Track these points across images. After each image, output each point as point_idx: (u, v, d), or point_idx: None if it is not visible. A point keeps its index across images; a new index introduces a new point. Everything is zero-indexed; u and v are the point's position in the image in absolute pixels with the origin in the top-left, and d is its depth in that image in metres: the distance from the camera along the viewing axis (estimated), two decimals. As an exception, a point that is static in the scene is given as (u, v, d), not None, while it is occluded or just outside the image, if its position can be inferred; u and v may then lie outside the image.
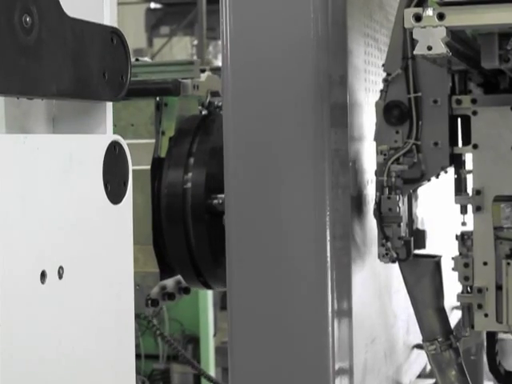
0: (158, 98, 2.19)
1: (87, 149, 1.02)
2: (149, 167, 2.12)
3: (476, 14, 1.49)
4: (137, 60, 2.37)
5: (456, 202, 2.07)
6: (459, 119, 2.11)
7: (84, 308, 0.98)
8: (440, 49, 1.51)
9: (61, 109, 1.07)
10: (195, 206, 2.07)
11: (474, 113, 1.99)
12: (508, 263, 1.94)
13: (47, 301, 0.92)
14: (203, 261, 1.98)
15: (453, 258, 2.05)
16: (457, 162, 2.11)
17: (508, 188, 1.97)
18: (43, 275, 0.92)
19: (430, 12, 1.51)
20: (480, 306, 1.97)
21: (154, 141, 2.15)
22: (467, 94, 2.06)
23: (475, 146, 1.99)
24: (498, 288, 1.96)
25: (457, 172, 2.12)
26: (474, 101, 2.01)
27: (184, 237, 2.07)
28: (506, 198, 1.97)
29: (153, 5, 10.65)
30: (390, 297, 2.31)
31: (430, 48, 1.52)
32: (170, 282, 2.20)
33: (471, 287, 2.00)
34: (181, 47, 9.67)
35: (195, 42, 8.91)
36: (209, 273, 2.00)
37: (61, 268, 0.95)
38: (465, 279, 2.00)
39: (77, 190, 0.99)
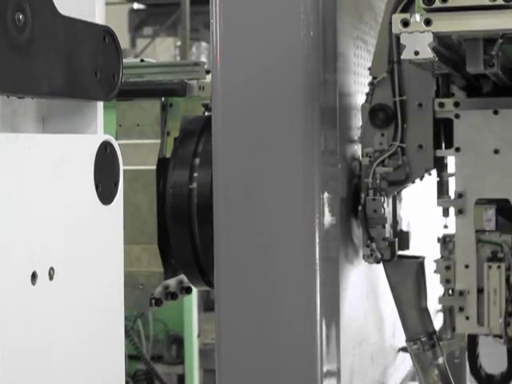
0: (163, 99, 2.19)
1: (78, 149, 1.01)
2: (154, 167, 2.13)
3: (462, 20, 1.51)
4: (142, 61, 2.38)
5: (438, 205, 2.09)
6: (442, 122, 2.13)
7: (75, 309, 0.98)
8: (427, 54, 1.53)
9: (51, 108, 1.06)
10: (200, 205, 2.07)
11: (457, 116, 2.03)
12: (489, 266, 1.97)
13: (38, 302, 0.91)
14: (208, 260, 1.98)
15: (435, 261, 2.07)
16: (439, 164, 2.13)
17: (490, 191, 1.99)
18: (34, 276, 0.91)
19: (417, 18, 1.53)
20: (461, 309, 2.00)
21: (159, 141, 2.16)
22: (450, 97, 2.08)
23: (458, 149, 2.02)
24: (480, 291, 2.00)
25: (439, 175, 2.15)
26: (456, 104, 2.04)
27: (189, 236, 2.08)
28: (488, 201, 1.99)
29: (136, 5, 10.61)
30: (377, 299, 2.32)
31: (417, 53, 1.54)
32: (172, 282, 2.20)
33: (453, 290, 2.03)
34: (164, 48, 9.64)
35: (178, 43, 8.89)
36: (213, 272, 2.00)
37: (51, 269, 0.94)
38: (446, 282, 2.03)
39: (67, 190, 0.98)
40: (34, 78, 0.92)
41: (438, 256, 2.09)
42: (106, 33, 1.04)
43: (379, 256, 2.06)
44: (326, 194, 1.86)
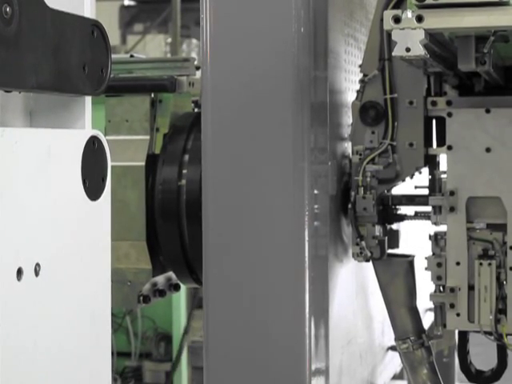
0: (152, 95, 2.18)
1: (66, 143, 1.00)
2: (143, 163, 2.11)
3: (454, 16, 1.51)
4: (131, 56, 2.36)
5: (430, 203, 2.10)
6: (434, 120, 2.14)
7: (60, 306, 0.97)
8: (418, 50, 1.53)
9: (38, 102, 1.05)
10: (190, 202, 2.06)
11: (449, 114, 2.03)
12: (480, 263, 1.99)
13: (23, 298, 0.90)
14: (197, 257, 1.97)
15: (426, 258, 2.08)
16: (431, 162, 2.14)
17: (481, 189, 2.01)
18: (19, 272, 0.90)
19: (409, 14, 1.52)
20: (452, 306, 2.01)
21: (148, 137, 2.15)
22: (442, 96, 2.09)
23: (450, 147, 2.03)
24: (470, 288, 2.01)
25: (431, 173, 2.16)
26: (449, 103, 2.05)
27: (178, 233, 2.07)
28: (480, 199, 2.01)
29: (127, 2, 10.56)
30: (367, 298, 2.32)
31: (408, 50, 1.54)
32: (160, 279, 2.19)
33: (444, 287, 2.04)
34: (154, 45, 9.60)
35: (169, 40, 8.86)
36: (202, 269, 2.00)
37: (37, 265, 0.93)
38: (437, 279, 2.04)
39: (54, 185, 0.97)
40: (21, 72, 0.90)
41: (429, 253, 2.10)
42: (95, 27, 1.03)
43: (369, 254, 2.06)
44: (315, 192, 1.85)
